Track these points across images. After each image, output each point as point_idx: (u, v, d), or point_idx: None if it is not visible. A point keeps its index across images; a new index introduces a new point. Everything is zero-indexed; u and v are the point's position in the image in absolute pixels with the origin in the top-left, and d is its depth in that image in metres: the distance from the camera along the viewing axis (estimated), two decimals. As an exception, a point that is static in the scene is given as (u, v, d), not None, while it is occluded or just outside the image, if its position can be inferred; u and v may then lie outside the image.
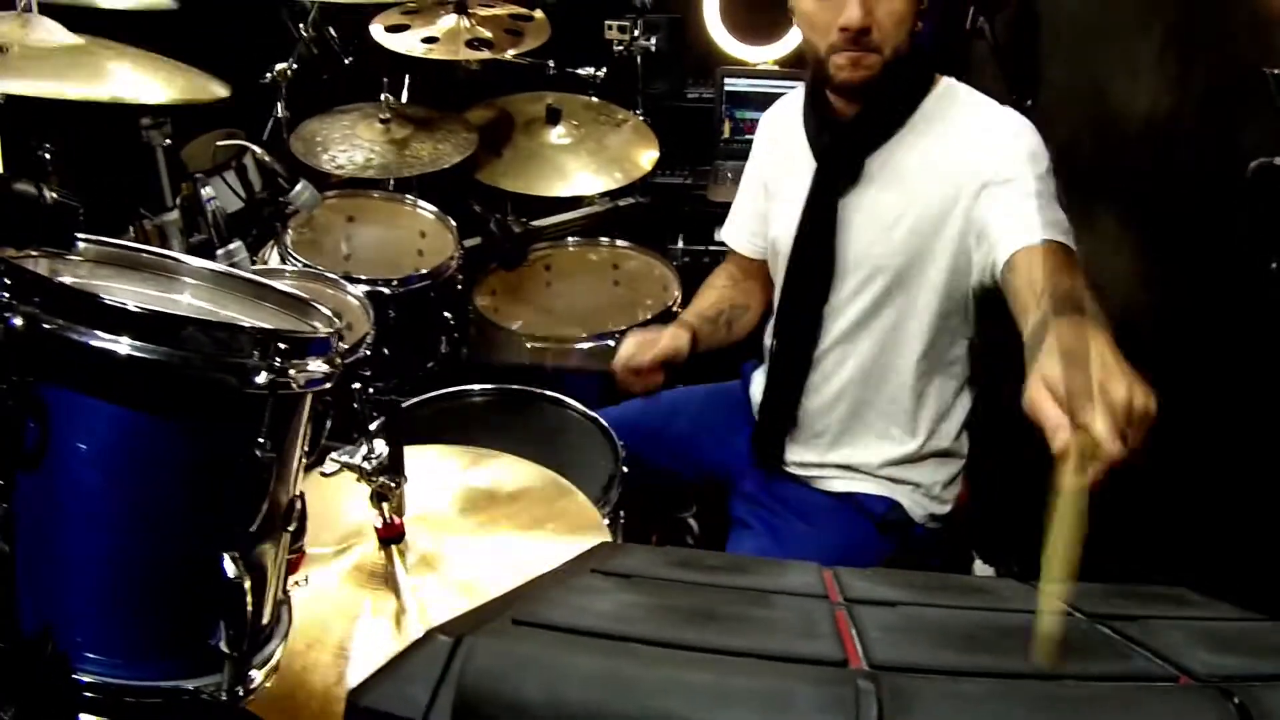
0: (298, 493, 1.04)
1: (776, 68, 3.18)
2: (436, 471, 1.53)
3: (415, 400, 1.92)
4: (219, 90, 1.61)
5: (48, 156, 1.98)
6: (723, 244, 1.96)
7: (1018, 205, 1.41)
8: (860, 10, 1.46)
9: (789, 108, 1.76)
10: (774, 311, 1.79)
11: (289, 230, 2.20)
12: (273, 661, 1.02)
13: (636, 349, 1.72)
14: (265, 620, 1.01)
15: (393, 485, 1.27)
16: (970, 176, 1.48)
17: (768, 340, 1.80)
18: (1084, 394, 0.84)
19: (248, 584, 0.92)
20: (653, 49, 3.05)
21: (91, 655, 0.89)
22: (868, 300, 1.61)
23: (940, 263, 1.54)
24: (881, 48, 1.49)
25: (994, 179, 1.46)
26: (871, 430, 1.70)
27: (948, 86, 1.60)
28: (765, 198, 1.80)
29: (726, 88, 3.11)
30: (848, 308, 1.64)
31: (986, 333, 1.61)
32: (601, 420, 1.83)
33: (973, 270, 1.52)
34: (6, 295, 0.83)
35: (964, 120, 1.55)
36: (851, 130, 1.60)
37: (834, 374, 1.69)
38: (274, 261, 2.18)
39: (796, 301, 1.70)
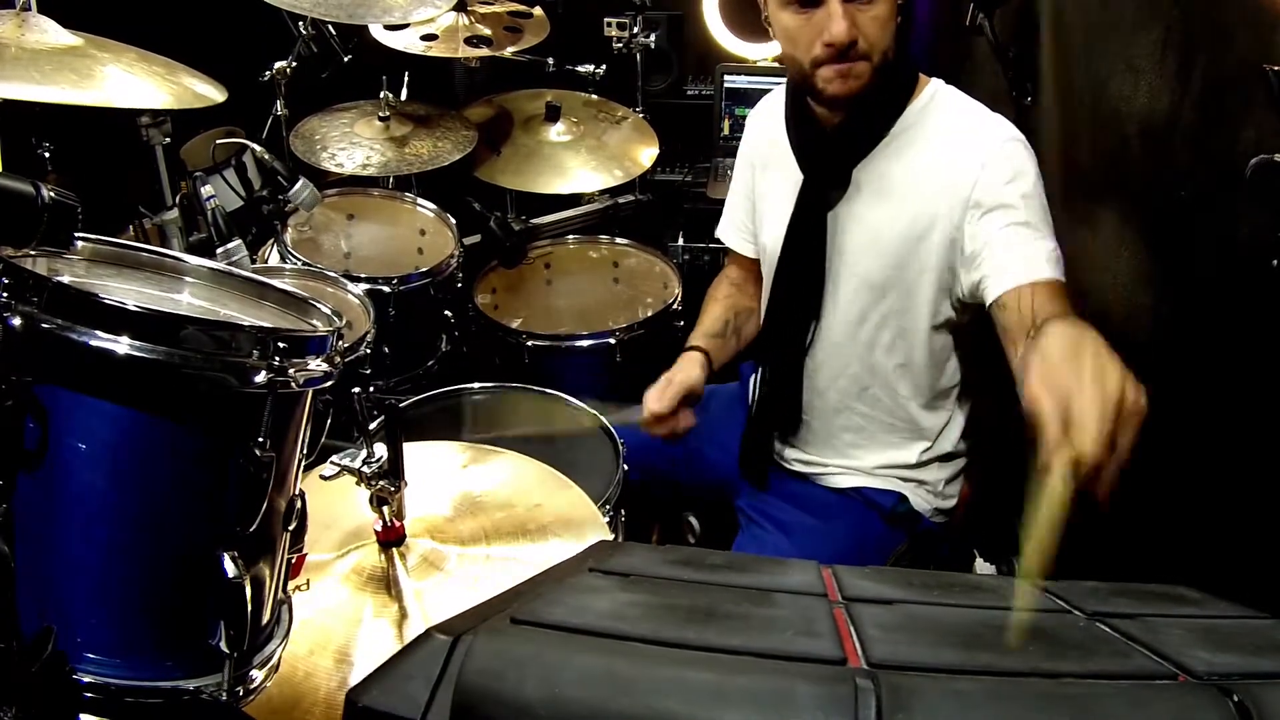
0: (298, 492, 1.04)
1: (776, 64, 3.18)
2: (437, 469, 1.53)
3: (415, 399, 1.92)
4: (215, 95, 1.60)
5: (47, 155, 1.98)
6: (721, 241, 1.95)
7: (1007, 238, 1.42)
8: (846, 23, 1.42)
9: (774, 104, 1.73)
10: (762, 320, 1.78)
11: (289, 228, 2.20)
12: (273, 661, 1.02)
13: (656, 400, 1.66)
14: (265, 620, 1.01)
15: (392, 489, 1.27)
16: (958, 193, 1.46)
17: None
18: (1079, 390, 0.87)
19: (248, 584, 0.93)
20: (652, 46, 3.04)
21: (91, 655, 0.89)
22: (857, 310, 1.61)
23: (929, 274, 1.53)
24: (870, 55, 1.46)
25: (983, 202, 1.44)
26: (875, 440, 1.70)
27: (935, 91, 1.56)
28: (755, 197, 1.79)
29: (726, 85, 3.11)
30: (838, 319, 1.63)
31: (985, 337, 1.60)
32: (601, 418, 1.83)
33: (958, 285, 1.52)
34: (5, 295, 0.83)
35: (951, 131, 1.51)
36: (837, 141, 1.57)
37: (829, 386, 1.68)
38: (274, 260, 2.18)
39: (785, 312, 1.69)
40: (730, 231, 1.90)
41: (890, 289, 1.56)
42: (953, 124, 1.52)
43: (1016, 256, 1.41)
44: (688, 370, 1.71)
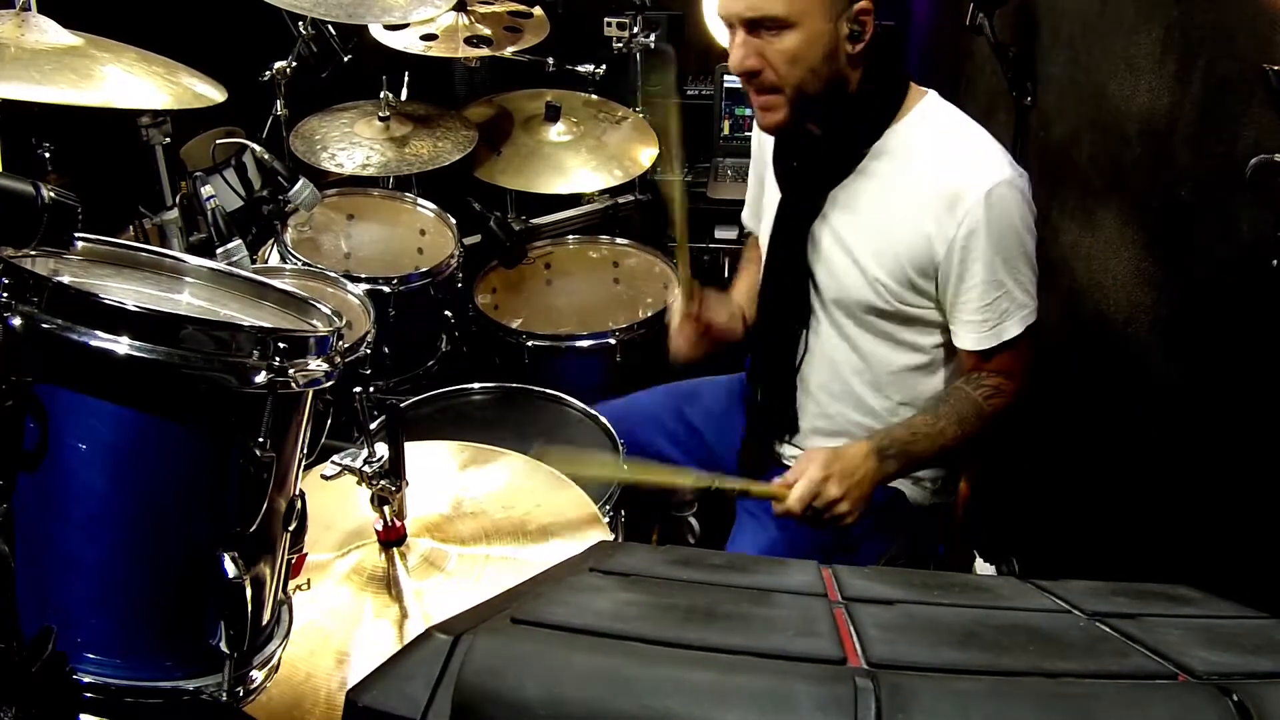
0: (298, 492, 1.04)
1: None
2: (437, 469, 1.53)
3: (416, 399, 1.92)
4: (215, 95, 1.60)
5: (47, 155, 1.98)
6: (722, 241, 1.95)
7: (973, 298, 1.48)
8: (742, 53, 1.40)
9: None
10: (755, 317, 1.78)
11: (289, 229, 2.20)
12: (273, 661, 1.02)
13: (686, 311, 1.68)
14: (265, 620, 1.01)
15: (393, 489, 1.27)
16: (938, 229, 1.46)
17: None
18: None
19: (248, 584, 0.93)
20: (652, 46, 3.04)
21: (91, 655, 0.89)
22: (843, 323, 1.61)
23: (910, 292, 1.53)
24: (781, 87, 1.44)
25: (954, 246, 1.44)
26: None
27: (925, 110, 1.52)
28: (763, 185, 1.80)
29: (726, 84, 3.11)
30: (826, 330, 1.63)
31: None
32: (601, 418, 1.83)
33: (936, 306, 1.54)
34: (5, 295, 0.83)
35: (937, 160, 1.47)
36: (813, 165, 1.57)
37: (822, 390, 1.68)
38: (274, 260, 2.18)
39: (775, 320, 1.69)
40: (748, 215, 1.91)
41: (875, 303, 1.56)
42: (940, 153, 1.48)
43: (977, 320, 1.49)
44: (733, 312, 1.74)
